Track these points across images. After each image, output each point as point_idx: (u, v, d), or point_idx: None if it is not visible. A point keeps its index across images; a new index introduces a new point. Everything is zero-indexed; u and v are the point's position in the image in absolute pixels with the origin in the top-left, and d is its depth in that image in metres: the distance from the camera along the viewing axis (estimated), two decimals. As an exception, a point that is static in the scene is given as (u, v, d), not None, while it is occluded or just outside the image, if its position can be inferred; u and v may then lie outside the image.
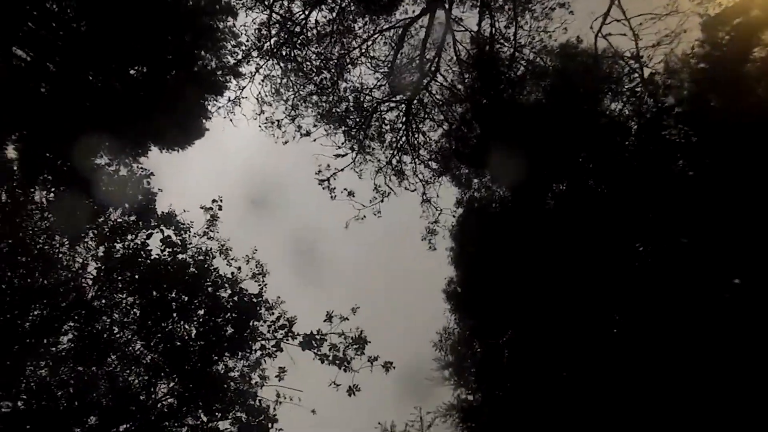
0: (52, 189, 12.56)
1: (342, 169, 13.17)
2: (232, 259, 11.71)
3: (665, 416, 12.78)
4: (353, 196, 13.36)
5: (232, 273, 11.25)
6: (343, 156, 13.07)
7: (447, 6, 12.98)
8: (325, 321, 10.42)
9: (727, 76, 13.60)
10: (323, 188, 13.05)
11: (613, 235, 15.45)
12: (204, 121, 19.66)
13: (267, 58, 13.34)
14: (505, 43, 14.43)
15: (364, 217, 13.69)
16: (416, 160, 14.08)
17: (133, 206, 11.22)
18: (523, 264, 16.74)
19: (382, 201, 13.83)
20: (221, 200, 11.54)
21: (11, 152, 16.78)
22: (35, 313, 10.85)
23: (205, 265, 10.93)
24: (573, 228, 16.57)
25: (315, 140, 12.90)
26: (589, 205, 16.40)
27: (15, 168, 16.49)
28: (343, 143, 13.37)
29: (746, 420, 11.37)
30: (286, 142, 13.61)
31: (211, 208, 11.86)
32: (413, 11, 13.31)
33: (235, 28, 17.98)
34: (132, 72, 18.12)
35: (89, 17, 16.56)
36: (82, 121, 16.90)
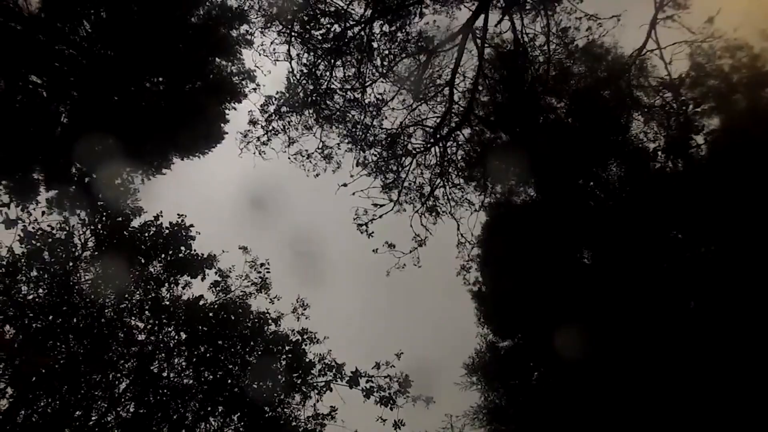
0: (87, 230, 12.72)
1: (380, 216, 13.28)
2: (275, 297, 12.17)
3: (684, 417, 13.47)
4: (394, 248, 13.53)
5: (277, 320, 11.75)
6: (381, 206, 13.16)
7: (480, 28, 12.67)
8: (373, 368, 11.00)
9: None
10: (361, 232, 13.22)
11: (633, 242, 15.73)
12: (222, 125, 19.65)
13: (295, 111, 13.16)
14: (534, 51, 14.18)
15: (404, 265, 13.93)
16: (447, 183, 14.14)
17: (174, 254, 11.50)
18: (544, 263, 17.17)
19: (420, 246, 14.01)
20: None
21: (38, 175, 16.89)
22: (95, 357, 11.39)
23: (255, 318, 11.40)
24: (596, 231, 16.87)
25: (354, 194, 12.95)
26: (611, 209, 16.63)
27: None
28: (380, 191, 13.41)
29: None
30: (317, 175, 13.66)
31: (247, 248, 12.26)
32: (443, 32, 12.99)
33: (248, 36, 17.74)
34: (149, 85, 17.97)
35: (102, 39, 16.29)
36: (107, 143, 16.96)
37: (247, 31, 17.70)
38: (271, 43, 13.72)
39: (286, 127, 13.57)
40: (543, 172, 17.38)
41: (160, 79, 18.40)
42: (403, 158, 13.29)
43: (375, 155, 13.15)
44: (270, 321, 11.97)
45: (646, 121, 13.69)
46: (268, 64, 15.37)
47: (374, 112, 12.93)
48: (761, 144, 13.99)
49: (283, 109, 13.20)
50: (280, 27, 13.33)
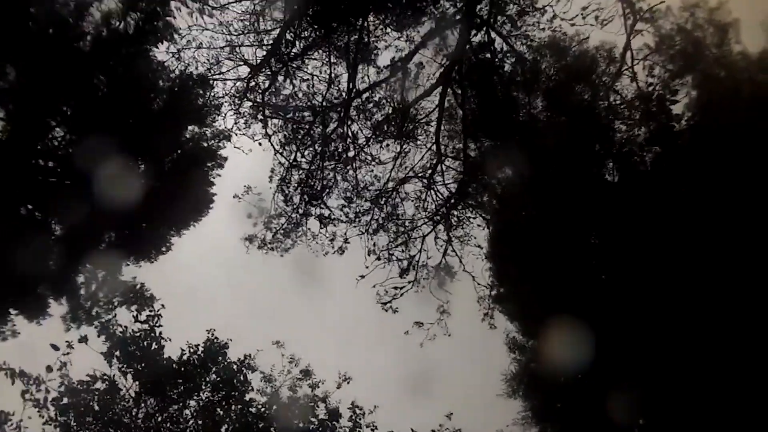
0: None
1: (402, 294, 13.51)
2: (318, 382, 12.63)
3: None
4: (422, 325, 13.81)
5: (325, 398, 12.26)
6: (401, 288, 13.36)
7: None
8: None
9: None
10: (386, 311, 13.48)
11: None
12: (209, 189, 19.48)
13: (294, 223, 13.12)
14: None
15: (435, 336, 14.24)
16: (451, 231, 14.36)
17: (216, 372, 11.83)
18: (553, 251, 17.70)
19: (445, 314, 14.30)
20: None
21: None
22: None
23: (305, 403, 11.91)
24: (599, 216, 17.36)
25: (374, 286, 13.12)
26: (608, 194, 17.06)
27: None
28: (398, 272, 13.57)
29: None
30: (326, 254, 13.80)
31: (280, 343, 12.65)
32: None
33: (215, 100, 17.52)
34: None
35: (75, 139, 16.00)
36: (105, 242, 16.94)
37: (211, 97, 17.50)
38: (245, 121, 13.49)
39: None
40: (533, 168, 17.62)
41: (139, 159, 18.13)
42: (412, 236, 13.46)
43: (383, 240, 13.31)
44: (319, 402, 12.51)
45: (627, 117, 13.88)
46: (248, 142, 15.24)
47: (373, 198, 13.02)
48: (738, 116, 14.24)
49: (288, 227, 13.12)
50: (251, 104, 13.08)
